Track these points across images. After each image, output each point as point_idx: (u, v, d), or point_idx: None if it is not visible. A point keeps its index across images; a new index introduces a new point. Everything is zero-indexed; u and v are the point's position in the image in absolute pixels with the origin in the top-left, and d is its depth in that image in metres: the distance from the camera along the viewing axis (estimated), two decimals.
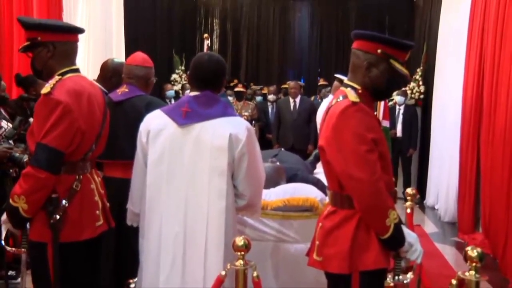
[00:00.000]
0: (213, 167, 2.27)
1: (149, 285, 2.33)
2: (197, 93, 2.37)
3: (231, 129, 2.28)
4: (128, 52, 7.33)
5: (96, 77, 3.36)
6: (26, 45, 2.38)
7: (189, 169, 2.29)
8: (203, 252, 2.26)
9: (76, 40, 2.45)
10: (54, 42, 2.34)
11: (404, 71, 2.10)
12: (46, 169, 2.17)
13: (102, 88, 3.09)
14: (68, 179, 2.30)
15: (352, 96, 2.04)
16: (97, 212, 2.40)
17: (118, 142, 2.82)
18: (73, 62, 2.43)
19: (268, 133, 8.08)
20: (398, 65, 2.08)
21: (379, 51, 2.07)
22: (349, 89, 2.11)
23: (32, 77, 4.45)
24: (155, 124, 2.35)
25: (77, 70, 2.42)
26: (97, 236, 2.40)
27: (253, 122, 7.77)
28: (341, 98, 2.08)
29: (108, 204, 2.52)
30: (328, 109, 2.15)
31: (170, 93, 8.46)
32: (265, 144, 7.35)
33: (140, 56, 3.13)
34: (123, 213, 2.56)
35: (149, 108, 2.80)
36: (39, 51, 2.35)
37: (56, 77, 2.30)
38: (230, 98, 8.18)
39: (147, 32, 9.39)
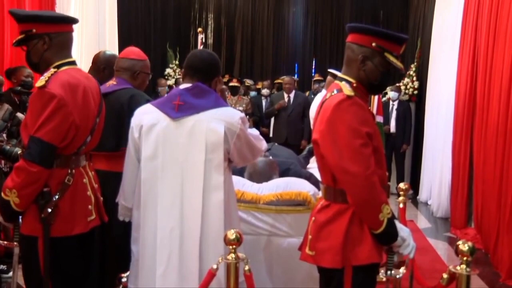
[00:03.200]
0: (209, 160, 2.27)
1: (146, 280, 2.33)
2: (188, 84, 2.36)
3: (225, 120, 2.28)
4: (121, 46, 7.28)
5: (87, 70, 3.33)
6: (20, 38, 2.33)
7: (183, 163, 2.29)
8: (198, 247, 2.25)
9: (71, 31, 2.42)
10: (50, 33, 2.30)
11: (399, 64, 2.09)
12: (39, 163, 2.15)
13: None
14: (61, 173, 2.27)
15: (347, 90, 2.03)
16: (90, 207, 2.38)
17: (102, 134, 2.80)
18: (69, 53, 2.40)
19: (262, 126, 8.07)
20: (392, 58, 2.07)
21: (373, 44, 2.06)
22: (343, 82, 2.10)
23: (15, 67, 4.45)
24: (148, 119, 2.34)
25: (73, 63, 2.39)
26: (89, 231, 2.38)
27: (248, 116, 7.76)
28: (335, 91, 2.07)
29: (102, 199, 2.50)
30: (322, 103, 2.14)
31: (164, 89, 8.44)
32: None
33: (129, 49, 3.12)
34: (107, 205, 2.54)
35: (132, 101, 2.80)
36: (35, 43, 2.31)
37: (52, 70, 2.27)
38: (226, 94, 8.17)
39: (141, 26, 9.35)
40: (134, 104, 2.68)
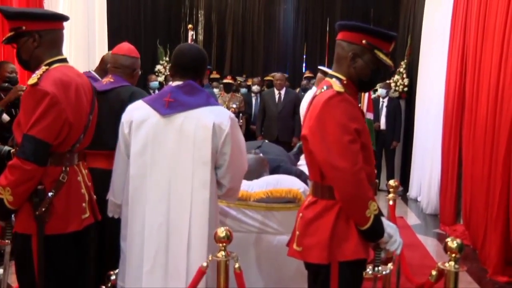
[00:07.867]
0: (197, 157, 2.27)
1: (132, 276, 2.32)
2: (179, 82, 2.36)
3: (215, 119, 2.27)
4: (110, 43, 7.23)
5: (84, 69, 3.31)
6: (10, 35, 2.32)
7: (172, 159, 2.29)
8: (186, 243, 2.26)
9: (62, 28, 2.41)
10: (40, 30, 2.29)
11: (389, 61, 2.11)
12: (33, 161, 2.14)
13: (97, 77, 3.06)
14: (55, 171, 2.27)
15: (337, 86, 2.04)
16: (84, 204, 2.38)
17: (101, 133, 2.79)
18: (60, 51, 2.39)
19: (252, 124, 8.05)
20: (382, 56, 2.09)
21: (363, 41, 2.08)
22: (334, 79, 2.11)
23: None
24: (138, 115, 2.34)
25: (64, 60, 2.39)
26: (83, 229, 2.37)
27: (241, 114, 7.72)
28: (325, 88, 2.08)
29: (95, 197, 2.50)
30: (313, 99, 2.15)
31: (154, 84, 8.41)
32: (251, 136, 7.35)
33: (126, 46, 3.12)
34: (105, 204, 2.54)
35: (133, 98, 2.79)
36: (24, 41, 2.30)
37: (43, 67, 2.26)
38: (216, 90, 8.15)
39: (131, 22, 9.29)
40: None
